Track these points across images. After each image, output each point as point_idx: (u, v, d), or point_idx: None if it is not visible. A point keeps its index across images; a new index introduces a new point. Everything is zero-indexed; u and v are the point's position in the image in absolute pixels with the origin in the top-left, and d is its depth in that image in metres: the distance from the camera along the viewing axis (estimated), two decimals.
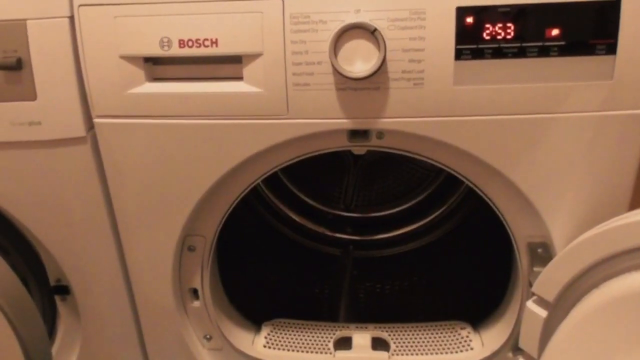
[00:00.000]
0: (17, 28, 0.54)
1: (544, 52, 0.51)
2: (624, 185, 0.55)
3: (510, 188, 0.57)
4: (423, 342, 0.69)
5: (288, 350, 0.70)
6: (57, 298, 0.69)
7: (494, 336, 0.68)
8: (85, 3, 0.53)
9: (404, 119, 0.54)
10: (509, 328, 0.65)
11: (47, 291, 0.69)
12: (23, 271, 0.67)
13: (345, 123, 0.54)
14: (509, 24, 0.50)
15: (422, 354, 0.68)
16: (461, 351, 0.68)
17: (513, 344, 0.65)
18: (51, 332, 0.71)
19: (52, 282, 0.68)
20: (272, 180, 0.88)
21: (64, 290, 0.68)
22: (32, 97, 0.56)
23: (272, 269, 0.87)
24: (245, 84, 0.54)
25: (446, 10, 0.50)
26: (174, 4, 0.52)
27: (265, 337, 0.72)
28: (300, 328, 0.73)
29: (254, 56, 0.53)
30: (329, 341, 0.70)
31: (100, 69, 0.55)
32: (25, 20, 0.54)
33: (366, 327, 0.72)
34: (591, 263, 0.50)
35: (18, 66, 0.55)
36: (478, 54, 0.51)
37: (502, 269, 0.70)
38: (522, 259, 0.61)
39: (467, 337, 0.69)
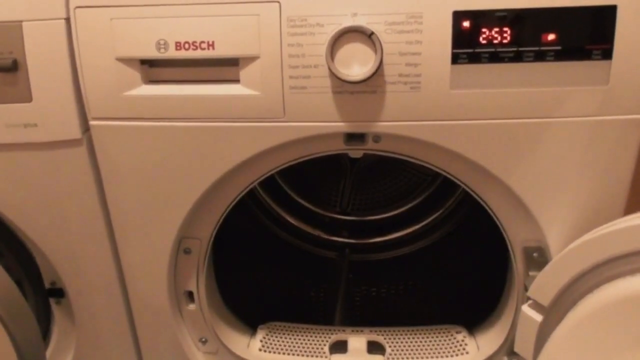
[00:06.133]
0: (13, 29, 0.54)
1: (540, 56, 0.51)
2: (619, 190, 0.56)
3: (506, 192, 0.57)
4: (418, 346, 0.69)
5: (284, 353, 0.70)
6: (51, 301, 0.69)
7: (490, 340, 0.68)
8: (81, 5, 0.53)
9: (400, 123, 0.54)
10: (504, 332, 0.65)
11: (41, 294, 0.68)
12: (17, 273, 0.67)
13: (341, 126, 0.54)
14: (505, 29, 0.50)
15: (417, 358, 0.68)
16: (457, 355, 0.68)
17: (508, 348, 0.65)
18: (45, 335, 0.71)
19: (47, 285, 0.68)
20: (268, 183, 0.88)
21: (58, 293, 0.67)
22: (28, 99, 0.56)
23: (268, 272, 0.87)
24: (241, 87, 0.54)
25: (443, 14, 0.50)
26: (171, 6, 0.52)
27: (261, 341, 0.71)
28: (295, 331, 0.73)
29: (251, 59, 0.53)
30: (324, 345, 0.70)
31: (96, 71, 0.55)
32: (21, 21, 0.54)
33: (362, 331, 0.72)
34: (586, 268, 0.50)
35: (14, 68, 0.54)
36: (474, 58, 0.51)
37: (497, 273, 0.70)
38: (518, 263, 0.61)
39: (463, 341, 0.69)
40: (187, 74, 0.55)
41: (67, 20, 0.54)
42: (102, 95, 0.55)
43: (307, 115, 0.54)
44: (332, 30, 0.51)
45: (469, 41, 0.51)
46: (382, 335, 0.71)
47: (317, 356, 0.69)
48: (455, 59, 0.51)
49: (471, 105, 0.53)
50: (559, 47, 0.50)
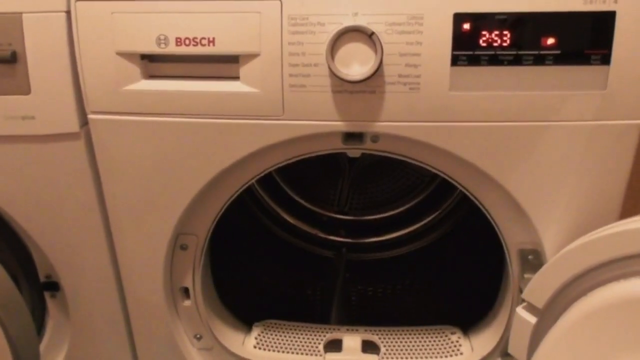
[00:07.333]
0: (13, 21, 0.54)
1: (539, 60, 0.51)
2: (615, 194, 0.56)
3: (503, 195, 0.57)
4: (413, 346, 0.70)
5: (278, 351, 0.70)
6: (46, 294, 0.69)
7: (484, 341, 0.68)
8: None
9: (398, 123, 0.54)
10: (498, 333, 0.66)
11: (36, 287, 0.68)
12: (13, 267, 0.67)
13: (340, 125, 0.54)
14: (505, 32, 0.51)
15: (412, 358, 0.68)
16: (451, 356, 0.68)
17: (502, 349, 0.66)
18: (40, 328, 0.71)
19: (42, 278, 0.67)
20: (266, 181, 0.88)
21: (53, 286, 0.67)
22: (26, 91, 0.56)
23: (265, 270, 0.87)
24: (241, 84, 0.54)
25: (444, 16, 0.50)
26: (172, 1, 0.52)
27: (256, 338, 0.72)
28: (291, 329, 0.73)
29: (251, 56, 0.53)
30: (319, 343, 0.70)
31: (95, 64, 0.54)
32: (21, 13, 0.54)
33: (357, 330, 0.72)
34: (581, 271, 0.50)
35: (12, 59, 0.54)
36: (474, 61, 0.51)
37: (493, 274, 0.70)
38: (513, 265, 0.61)
39: (457, 341, 0.69)
40: (187, 70, 0.55)
41: (68, 13, 0.54)
42: (101, 89, 0.55)
43: (306, 114, 0.54)
44: (332, 29, 0.51)
45: (469, 43, 0.51)
46: (377, 334, 0.71)
47: (311, 354, 0.69)
48: (455, 61, 0.51)
49: (470, 107, 0.53)
50: (558, 52, 0.51)
